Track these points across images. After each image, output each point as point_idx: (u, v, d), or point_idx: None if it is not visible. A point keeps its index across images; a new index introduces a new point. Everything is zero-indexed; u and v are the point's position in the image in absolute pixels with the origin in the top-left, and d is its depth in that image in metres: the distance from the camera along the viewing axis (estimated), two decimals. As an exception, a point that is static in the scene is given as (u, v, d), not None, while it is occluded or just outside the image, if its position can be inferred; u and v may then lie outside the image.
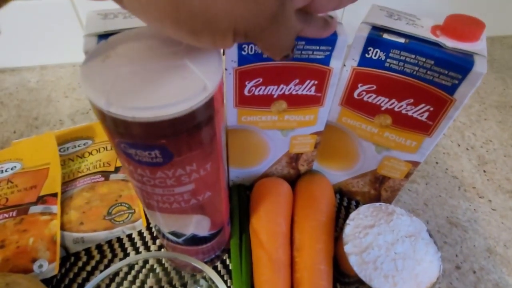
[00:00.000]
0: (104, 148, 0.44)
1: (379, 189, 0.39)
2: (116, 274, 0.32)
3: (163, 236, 0.29)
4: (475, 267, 0.38)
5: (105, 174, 0.41)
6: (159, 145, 0.18)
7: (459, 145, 0.52)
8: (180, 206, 0.24)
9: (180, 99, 0.16)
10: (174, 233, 0.28)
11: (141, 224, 0.38)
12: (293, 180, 0.41)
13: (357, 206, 0.42)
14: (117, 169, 0.42)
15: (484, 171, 0.48)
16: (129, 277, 0.33)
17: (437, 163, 0.49)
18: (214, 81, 0.18)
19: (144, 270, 0.34)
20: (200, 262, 0.29)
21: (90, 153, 0.44)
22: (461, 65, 0.25)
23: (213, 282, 0.29)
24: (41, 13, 0.53)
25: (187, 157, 0.20)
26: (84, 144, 0.45)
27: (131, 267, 0.33)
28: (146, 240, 0.38)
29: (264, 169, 0.40)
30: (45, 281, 0.34)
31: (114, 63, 0.18)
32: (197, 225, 0.27)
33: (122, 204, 0.39)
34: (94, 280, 0.29)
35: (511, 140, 0.53)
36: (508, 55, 0.71)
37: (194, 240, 0.29)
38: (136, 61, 0.18)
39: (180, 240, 0.29)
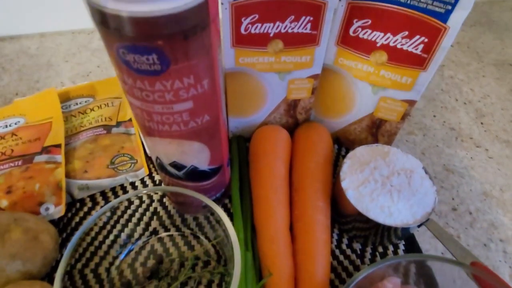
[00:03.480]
0: (105, 104, 0.45)
1: (376, 134, 0.39)
2: (125, 210, 0.33)
3: (165, 171, 0.30)
4: (471, 209, 0.39)
5: (107, 128, 0.42)
6: (155, 48, 0.18)
7: (457, 100, 0.52)
8: (179, 129, 0.24)
9: (175, -4, 0.17)
10: (174, 165, 0.29)
11: (143, 173, 0.39)
12: (292, 130, 0.42)
13: (355, 155, 0.43)
14: (118, 124, 0.43)
15: (482, 123, 0.49)
16: (135, 218, 0.34)
17: (434, 116, 0.49)
18: (208, -17, 0.18)
19: (148, 213, 0.35)
20: (202, 195, 0.30)
21: (92, 110, 0.44)
22: (454, -13, 0.26)
23: (215, 217, 0.30)
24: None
25: (184, 67, 0.20)
26: (85, 102, 0.45)
27: (135, 209, 0.34)
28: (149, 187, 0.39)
29: (262, 118, 0.40)
30: (52, 224, 0.35)
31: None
32: (197, 155, 0.28)
33: (125, 154, 0.40)
34: (109, 205, 0.30)
35: (508, 95, 0.53)
36: (507, 17, 0.71)
37: (194, 175, 0.30)
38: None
39: (180, 173, 0.30)
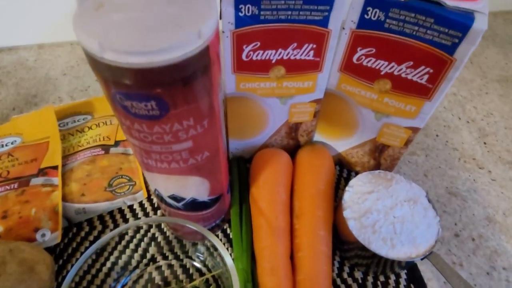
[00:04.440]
0: (103, 122, 0.44)
1: (379, 158, 0.39)
2: (122, 236, 0.32)
3: (163, 201, 0.30)
4: (474, 235, 0.39)
5: (105, 148, 0.41)
6: (154, 95, 0.18)
7: (459, 118, 0.51)
8: (178, 166, 0.24)
9: (174, 45, 0.16)
10: (173, 197, 0.28)
11: (142, 195, 0.39)
12: (293, 152, 0.41)
13: (356, 177, 0.42)
14: (117, 143, 0.42)
15: (485, 143, 0.48)
16: (132, 244, 0.33)
17: (437, 135, 0.49)
18: (209, 29, 0.18)
19: (146, 239, 0.34)
20: (199, 226, 0.29)
21: (90, 128, 0.44)
22: (462, 22, 0.25)
23: (212, 245, 0.29)
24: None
25: (184, 111, 0.20)
26: (83, 119, 0.45)
27: (133, 235, 0.34)
28: (148, 211, 0.38)
29: (263, 140, 0.40)
30: (48, 250, 0.34)
31: (108, 11, 0.17)
32: (197, 188, 0.27)
33: (123, 176, 0.39)
34: (104, 238, 0.29)
35: (512, 113, 0.53)
36: (511, 30, 0.70)
37: (194, 205, 0.30)
38: (130, 9, 0.18)
39: (180, 204, 0.29)
